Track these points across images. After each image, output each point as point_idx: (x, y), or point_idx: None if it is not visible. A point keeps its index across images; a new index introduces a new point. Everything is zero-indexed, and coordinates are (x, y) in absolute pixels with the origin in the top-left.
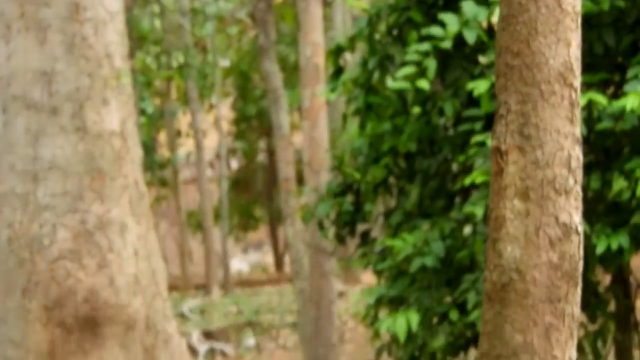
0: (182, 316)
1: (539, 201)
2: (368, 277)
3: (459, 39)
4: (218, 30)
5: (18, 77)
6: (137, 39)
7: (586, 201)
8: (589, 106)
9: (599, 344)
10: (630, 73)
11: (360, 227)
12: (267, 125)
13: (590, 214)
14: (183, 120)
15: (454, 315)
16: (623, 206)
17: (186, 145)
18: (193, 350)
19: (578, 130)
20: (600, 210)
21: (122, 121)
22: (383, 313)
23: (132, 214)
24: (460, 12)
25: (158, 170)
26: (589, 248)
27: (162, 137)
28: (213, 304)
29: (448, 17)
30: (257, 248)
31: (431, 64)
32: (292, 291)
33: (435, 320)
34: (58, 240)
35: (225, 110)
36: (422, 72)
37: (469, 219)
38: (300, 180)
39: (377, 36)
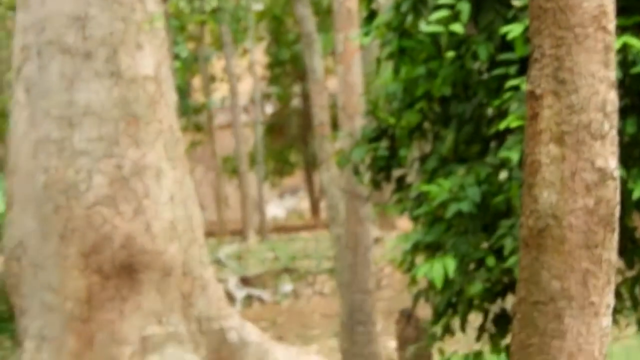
0: (218, 262)
1: (574, 146)
2: (404, 223)
3: None
4: None
5: (52, 21)
6: None
7: (622, 146)
8: (624, 50)
9: (637, 290)
10: None
11: (396, 173)
12: (301, 69)
13: (626, 158)
14: (217, 65)
15: (490, 261)
16: None
17: (220, 90)
18: (230, 297)
19: (613, 74)
20: (636, 155)
21: (156, 65)
22: (420, 259)
23: (167, 159)
24: None
25: (193, 115)
26: (625, 193)
27: (197, 81)
28: (249, 250)
29: None
30: (293, 193)
31: (464, 7)
32: (328, 237)
33: (472, 266)
34: (94, 186)
35: (259, 54)
36: (455, 16)
37: (504, 163)
38: (334, 124)
39: None
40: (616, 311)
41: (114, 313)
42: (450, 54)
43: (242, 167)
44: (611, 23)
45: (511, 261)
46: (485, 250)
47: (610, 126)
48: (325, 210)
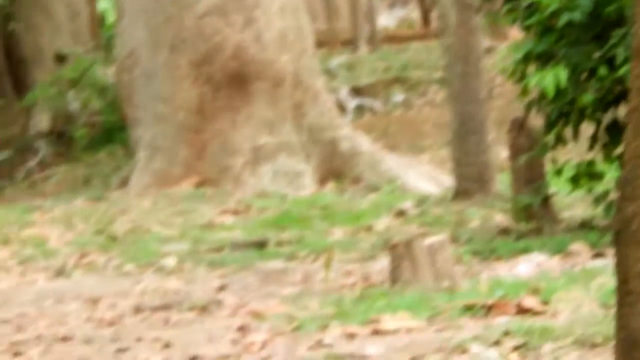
0: (329, 72)
1: None
2: (515, 33)
3: None
4: None
5: None
6: None
7: None
8: None
9: None
10: None
11: None
12: None
13: None
14: None
15: (602, 70)
16: None
17: None
18: (341, 107)
19: None
20: None
21: None
22: (531, 69)
23: None
24: None
25: None
26: None
27: None
28: (360, 60)
29: None
30: (404, 4)
31: None
32: (439, 47)
33: (583, 75)
34: None
35: None
36: None
37: None
38: None
39: None
40: None
41: (225, 123)
42: None
43: None
44: None
45: (623, 70)
46: (597, 59)
47: None
48: (436, 21)
